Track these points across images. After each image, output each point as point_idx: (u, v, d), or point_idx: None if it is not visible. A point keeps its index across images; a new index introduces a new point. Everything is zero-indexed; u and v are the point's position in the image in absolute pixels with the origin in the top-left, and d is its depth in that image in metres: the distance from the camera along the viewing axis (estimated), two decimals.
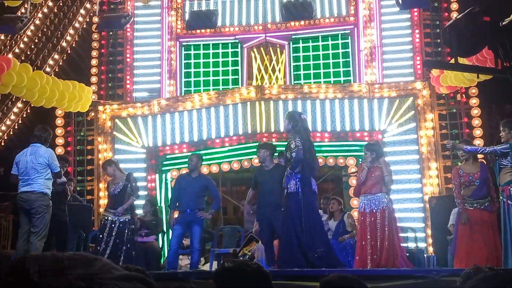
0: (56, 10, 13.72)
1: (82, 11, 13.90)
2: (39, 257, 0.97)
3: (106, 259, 1.10)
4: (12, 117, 13.30)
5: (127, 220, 8.76)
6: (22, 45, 13.23)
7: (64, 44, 13.67)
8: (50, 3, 13.50)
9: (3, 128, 13.24)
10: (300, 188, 7.21)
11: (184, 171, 10.45)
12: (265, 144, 8.62)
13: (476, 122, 11.93)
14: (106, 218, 8.72)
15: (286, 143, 7.73)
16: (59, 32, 13.71)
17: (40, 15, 13.48)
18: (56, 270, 0.95)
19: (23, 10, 11.33)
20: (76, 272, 0.96)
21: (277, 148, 8.57)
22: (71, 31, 13.78)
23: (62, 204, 8.74)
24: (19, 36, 13.01)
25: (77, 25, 13.88)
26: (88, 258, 1.01)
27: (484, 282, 1.95)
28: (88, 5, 13.85)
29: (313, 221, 7.15)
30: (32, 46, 13.39)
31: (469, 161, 7.78)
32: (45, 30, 13.62)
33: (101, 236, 8.57)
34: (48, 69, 13.13)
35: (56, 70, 13.39)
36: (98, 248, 8.48)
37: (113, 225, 8.61)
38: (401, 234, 9.19)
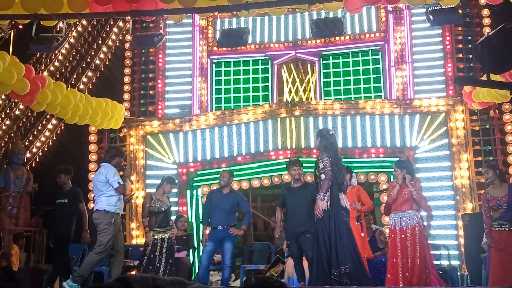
0: (90, 29, 14.01)
1: (115, 30, 14.17)
2: (142, 277, 1.02)
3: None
4: (47, 133, 13.57)
5: (171, 235, 8.85)
6: (57, 63, 13.53)
7: (97, 62, 13.94)
8: (84, 22, 13.79)
9: (38, 144, 13.51)
10: (330, 206, 7.17)
11: (214, 187, 10.51)
12: (297, 161, 8.59)
13: (510, 138, 11.75)
14: (155, 237, 8.60)
15: (315, 159, 7.71)
16: (93, 50, 13.99)
17: (74, 33, 13.78)
18: (157, 287, 1.00)
19: (58, 29, 11.58)
20: None
21: (305, 165, 8.56)
22: (104, 49, 14.05)
23: (69, 217, 8.79)
24: (54, 55, 13.30)
25: (110, 43, 14.14)
26: (183, 281, 1.06)
27: None
28: (121, 24, 14.11)
29: (341, 238, 7.08)
30: (67, 64, 13.68)
31: (495, 185, 7.73)
32: (79, 48, 13.91)
33: (152, 256, 8.52)
34: (81, 87, 13.40)
35: (90, 87, 13.65)
36: (151, 267, 8.43)
37: (163, 243, 8.64)
38: (434, 252, 9.08)
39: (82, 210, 8.98)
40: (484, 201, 7.80)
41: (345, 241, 7.08)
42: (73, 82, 13.40)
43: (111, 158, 8.09)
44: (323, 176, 7.18)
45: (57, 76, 13.20)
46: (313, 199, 7.52)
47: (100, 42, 14.09)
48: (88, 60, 13.93)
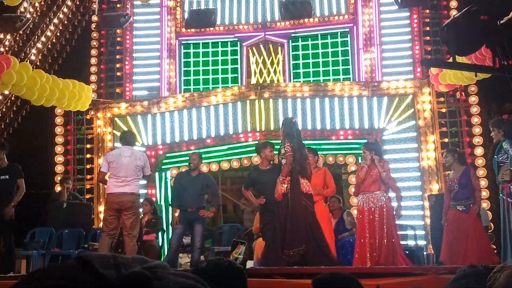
0: (55, 9, 13.72)
1: (81, 10, 13.90)
2: (101, 255, 1.00)
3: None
4: (12, 115, 13.30)
5: (140, 218, 8.81)
6: (21, 44, 13.24)
7: (63, 43, 13.67)
8: (49, 1, 13.49)
9: (2, 126, 13.25)
10: (289, 190, 7.37)
11: (183, 169, 10.46)
12: (271, 143, 8.59)
13: (476, 120, 11.93)
14: None
15: None
16: (58, 31, 13.71)
17: (38, 13, 13.48)
18: (118, 265, 0.98)
19: (22, 9, 11.32)
20: (136, 266, 0.99)
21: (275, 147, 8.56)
22: (70, 29, 13.78)
23: (10, 194, 8.52)
24: (17, 35, 13.00)
25: (76, 23, 13.87)
26: (144, 259, 1.05)
27: (476, 278, 1.98)
28: (87, 4, 13.85)
29: (297, 220, 7.22)
30: (32, 45, 13.39)
31: (454, 167, 8.25)
32: (44, 28, 13.61)
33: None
34: (47, 68, 13.13)
35: (56, 69, 13.39)
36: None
37: None
38: (401, 232, 9.22)
39: (21, 185, 8.60)
40: (446, 182, 8.40)
41: (301, 223, 7.22)
42: (38, 63, 13.12)
43: (131, 143, 8.13)
44: (283, 161, 7.47)
45: (21, 57, 12.89)
46: None
47: (65, 22, 13.80)
48: (54, 40, 13.64)
